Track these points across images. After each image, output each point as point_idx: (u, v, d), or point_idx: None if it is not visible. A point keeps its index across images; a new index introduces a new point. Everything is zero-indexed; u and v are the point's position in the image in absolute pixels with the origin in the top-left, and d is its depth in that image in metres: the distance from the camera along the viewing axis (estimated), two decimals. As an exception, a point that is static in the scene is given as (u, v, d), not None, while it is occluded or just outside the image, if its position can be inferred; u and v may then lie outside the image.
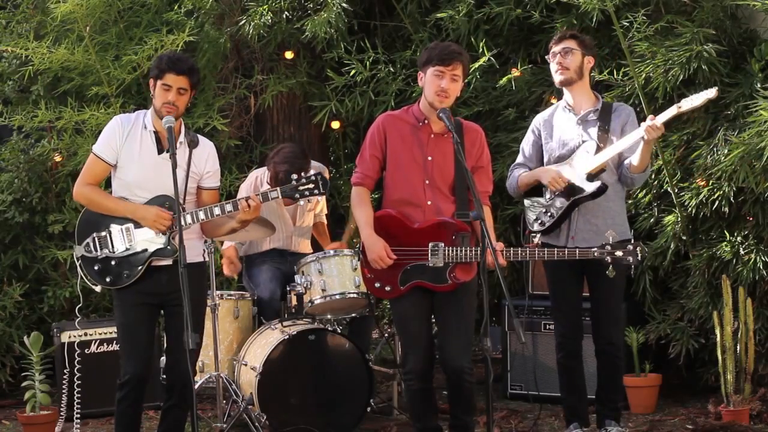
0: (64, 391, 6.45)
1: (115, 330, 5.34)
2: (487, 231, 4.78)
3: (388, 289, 5.20)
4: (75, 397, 6.37)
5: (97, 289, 5.13)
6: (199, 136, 5.22)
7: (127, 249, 5.04)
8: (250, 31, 7.18)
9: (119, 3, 7.34)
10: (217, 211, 5.04)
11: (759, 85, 6.07)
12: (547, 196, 5.56)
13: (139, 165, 5.05)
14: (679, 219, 6.35)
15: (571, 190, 5.47)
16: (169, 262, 5.02)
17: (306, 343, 5.96)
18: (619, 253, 5.14)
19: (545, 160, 5.62)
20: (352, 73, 7.23)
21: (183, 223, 4.87)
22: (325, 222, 6.98)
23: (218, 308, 6.13)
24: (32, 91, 7.62)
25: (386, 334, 7.46)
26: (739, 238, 6.22)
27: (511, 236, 7.09)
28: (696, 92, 6.26)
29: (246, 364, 6.05)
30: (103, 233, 5.07)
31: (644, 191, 6.53)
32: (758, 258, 6.09)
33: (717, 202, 6.19)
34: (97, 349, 6.66)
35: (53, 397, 6.56)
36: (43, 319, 7.31)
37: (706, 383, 6.43)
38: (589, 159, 5.44)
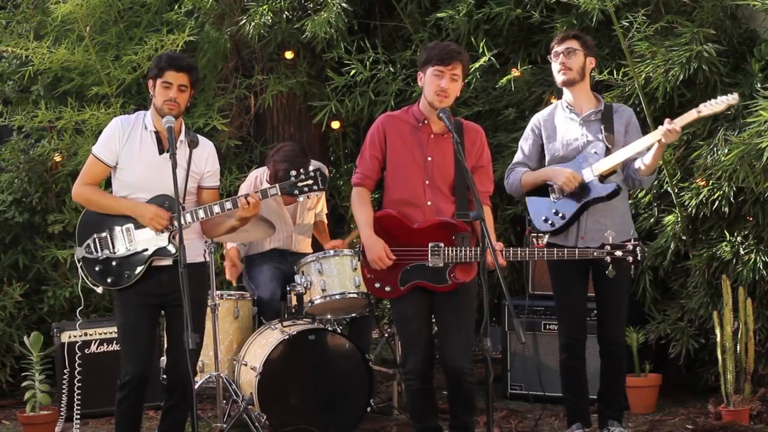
0: (64, 391, 6.45)
1: (115, 330, 5.35)
2: (487, 231, 4.78)
3: (388, 289, 5.20)
4: (75, 398, 6.37)
5: (99, 290, 5.13)
6: (198, 135, 5.23)
7: (127, 249, 5.05)
8: (250, 31, 7.18)
9: (119, 3, 7.35)
10: (216, 209, 5.04)
11: (759, 85, 6.07)
12: (554, 196, 5.54)
13: (140, 165, 5.06)
14: (679, 219, 6.35)
15: (582, 192, 5.46)
16: (169, 262, 5.02)
17: (306, 343, 5.96)
18: (618, 253, 5.15)
19: (547, 159, 5.60)
20: (352, 73, 7.23)
21: (183, 221, 4.87)
22: (326, 221, 6.99)
23: (218, 308, 6.13)
24: (32, 91, 7.62)
25: (386, 334, 7.46)
26: (739, 238, 6.22)
27: (511, 236, 7.09)
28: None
29: (246, 364, 6.05)
30: (104, 234, 5.07)
31: (644, 191, 6.53)
32: (758, 258, 6.09)
33: (717, 202, 6.19)
34: (97, 349, 6.66)
35: (53, 397, 6.56)
36: (43, 319, 7.31)
37: (706, 383, 6.43)
38: (599, 160, 5.43)
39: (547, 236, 5.57)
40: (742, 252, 6.16)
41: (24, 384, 6.40)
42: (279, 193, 5.10)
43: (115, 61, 7.20)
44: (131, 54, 7.10)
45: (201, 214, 5.04)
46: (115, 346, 6.52)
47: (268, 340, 6.00)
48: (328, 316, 6.31)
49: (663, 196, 6.52)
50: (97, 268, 5.07)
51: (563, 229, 5.51)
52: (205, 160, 5.17)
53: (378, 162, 5.25)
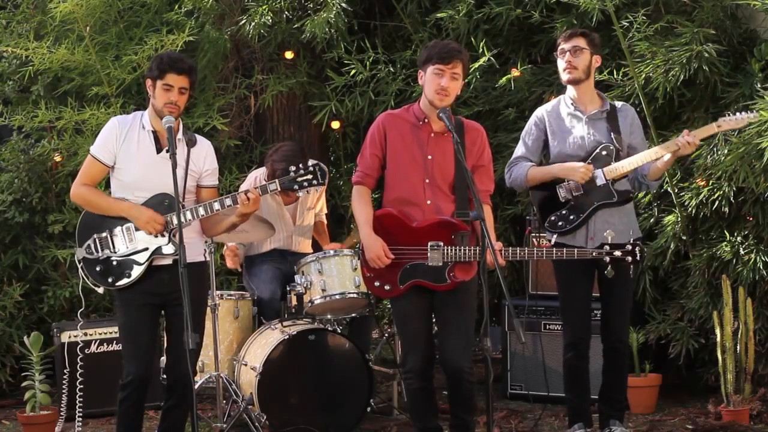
0: (64, 391, 6.45)
1: (116, 330, 5.35)
2: (487, 231, 4.78)
3: (388, 288, 5.20)
4: (76, 398, 6.36)
5: (100, 290, 5.14)
6: (196, 135, 5.22)
7: (128, 249, 5.05)
8: (250, 31, 7.18)
9: (119, 3, 7.35)
10: (216, 206, 5.04)
11: (759, 85, 6.07)
12: (563, 195, 5.53)
13: (137, 165, 5.06)
14: (679, 219, 6.35)
15: (594, 195, 5.46)
16: (170, 261, 5.02)
17: (306, 343, 5.96)
18: (617, 253, 5.15)
19: (552, 155, 5.58)
20: (352, 73, 7.23)
21: (183, 219, 4.87)
22: (325, 221, 6.98)
23: (218, 308, 6.13)
24: (32, 91, 7.62)
25: (386, 334, 7.46)
26: (739, 238, 6.22)
27: (511, 236, 7.09)
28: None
29: (246, 364, 6.05)
30: (104, 234, 5.07)
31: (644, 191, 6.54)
32: (758, 258, 6.09)
33: (717, 202, 6.19)
34: (97, 349, 6.66)
35: (53, 397, 6.56)
36: (43, 319, 7.31)
37: (706, 383, 6.43)
38: (611, 163, 5.44)
39: (555, 236, 5.56)
40: (742, 252, 6.16)
41: (24, 384, 6.40)
42: (278, 188, 5.09)
43: (115, 61, 7.20)
44: (131, 54, 7.10)
45: (201, 211, 5.04)
46: (116, 346, 6.52)
47: (268, 340, 6.00)
48: (328, 316, 6.31)
49: (663, 196, 6.52)
50: (97, 269, 5.07)
51: (572, 230, 5.51)
52: (203, 159, 5.17)
53: (378, 160, 5.25)
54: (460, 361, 5.14)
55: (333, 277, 6.21)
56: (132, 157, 5.06)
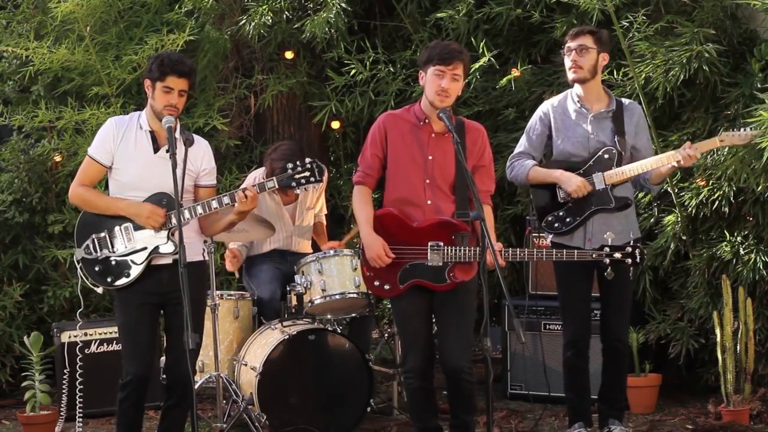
0: (64, 391, 6.45)
1: (116, 330, 5.34)
2: (487, 231, 4.78)
3: (388, 287, 5.20)
4: (76, 398, 6.36)
5: (99, 290, 5.13)
6: (194, 134, 5.22)
7: (126, 248, 5.05)
8: (250, 31, 7.18)
9: (119, 3, 7.35)
10: (215, 204, 5.04)
11: (759, 85, 6.07)
12: (561, 196, 5.52)
13: (135, 165, 5.06)
14: (679, 219, 6.35)
15: (592, 200, 5.46)
16: (169, 260, 5.02)
17: (306, 343, 5.96)
18: (617, 255, 5.15)
19: (554, 152, 5.57)
20: (352, 73, 7.23)
21: (182, 218, 4.86)
22: (325, 222, 6.97)
23: (218, 308, 6.13)
24: (32, 91, 7.62)
25: (386, 334, 7.46)
26: (739, 238, 6.22)
27: (511, 236, 7.09)
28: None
29: (246, 364, 6.05)
30: (103, 234, 5.07)
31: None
32: (758, 258, 6.09)
33: (717, 202, 6.19)
34: (97, 349, 6.66)
35: (53, 397, 6.56)
36: (43, 319, 7.31)
37: (706, 383, 6.43)
38: (612, 168, 5.44)
39: (550, 236, 5.57)
40: (742, 252, 6.16)
41: (24, 384, 6.40)
42: (276, 186, 5.09)
43: (115, 61, 7.20)
44: (131, 54, 7.10)
45: (199, 209, 5.04)
46: (116, 346, 6.52)
47: (268, 340, 6.00)
48: (328, 316, 6.31)
49: (663, 196, 6.51)
50: (96, 269, 5.07)
51: (569, 232, 5.51)
52: (201, 158, 5.16)
53: (379, 160, 5.25)
54: (460, 361, 5.14)
55: (333, 277, 6.21)
56: (129, 157, 5.06)
